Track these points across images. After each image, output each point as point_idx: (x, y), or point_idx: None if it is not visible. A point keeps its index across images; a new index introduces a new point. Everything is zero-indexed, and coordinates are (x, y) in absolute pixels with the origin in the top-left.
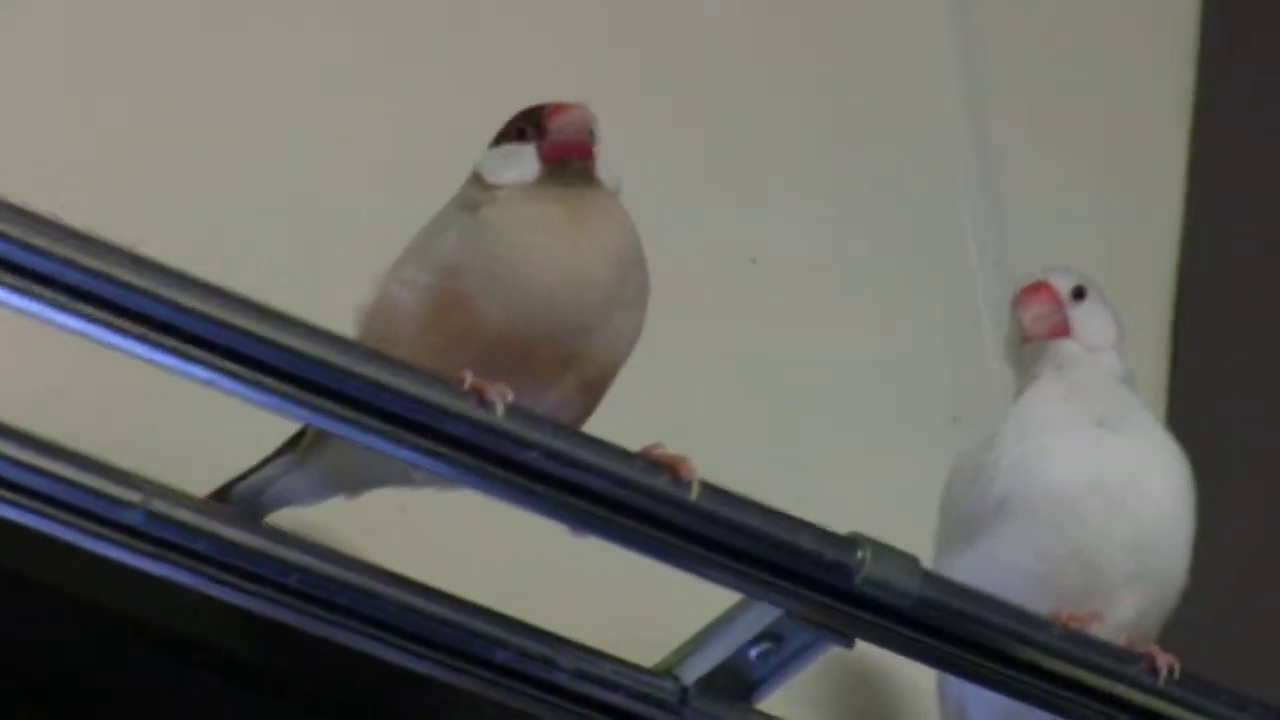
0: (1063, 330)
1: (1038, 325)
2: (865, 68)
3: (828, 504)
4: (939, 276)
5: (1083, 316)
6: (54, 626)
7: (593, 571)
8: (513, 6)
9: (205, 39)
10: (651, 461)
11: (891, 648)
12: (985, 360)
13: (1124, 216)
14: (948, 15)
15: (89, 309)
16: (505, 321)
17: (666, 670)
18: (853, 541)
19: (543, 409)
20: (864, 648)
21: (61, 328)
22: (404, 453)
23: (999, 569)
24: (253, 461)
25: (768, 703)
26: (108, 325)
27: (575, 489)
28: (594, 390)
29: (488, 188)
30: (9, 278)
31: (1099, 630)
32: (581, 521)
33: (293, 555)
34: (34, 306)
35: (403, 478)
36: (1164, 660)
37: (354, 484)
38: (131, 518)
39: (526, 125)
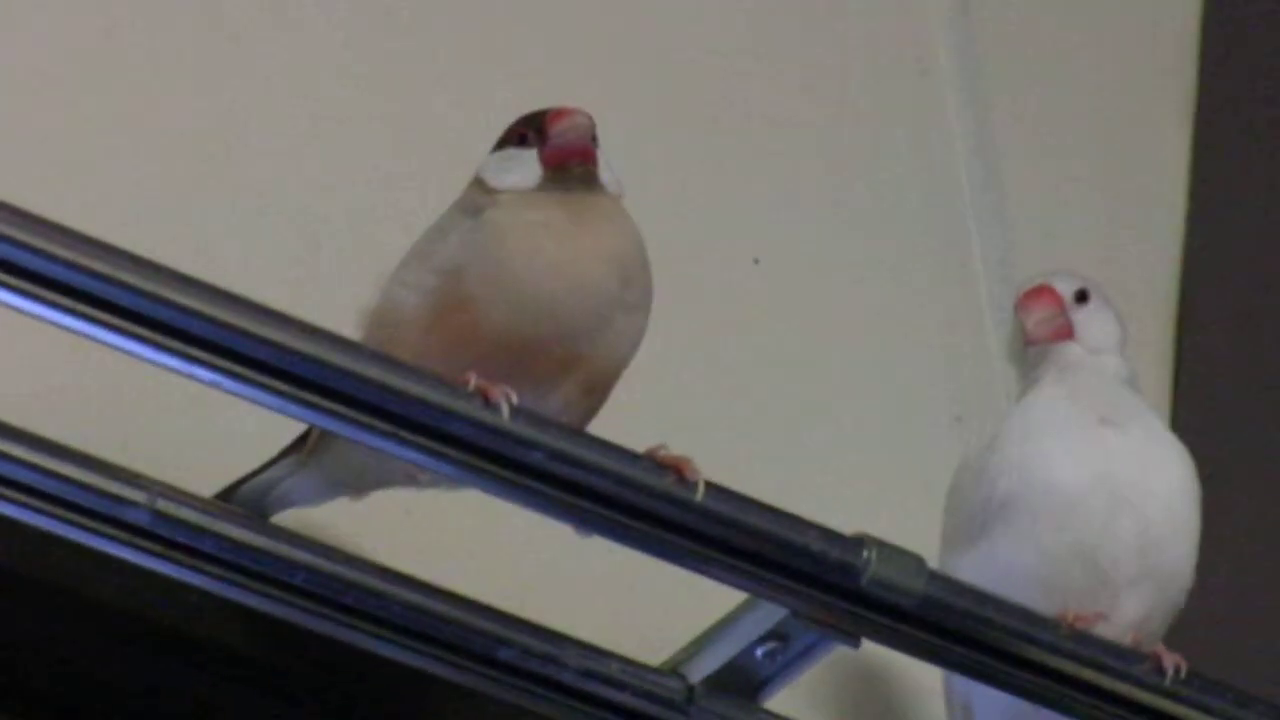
0: (1065, 333)
1: (1040, 329)
2: (868, 69)
3: (832, 504)
4: (942, 277)
5: (1086, 319)
6: (59, 625)
7: (598, 572)
8: (514, 8)
9: (205, 40)
10: (656, 462)
11: (897, 647)
12: (988, 360)
13: (1127, 218)
14: (950, 17)
15: (94, 311)
16: (508, 325)
17: (673, 669)
18: (858, 541)
19: (546, 411)
20: (870, 647)
21: (67, 330)
22: (409, 454)
23: (1003, 569)
24: (257, 462)
25: (774, 702)
26: (113, 327)
27: (580, 490)
28: (597, 393)
29: (490, 191)
30: (15, 280)
31: (1105, 630)
32: (587, 522)
33: (298, 554)
34: (40, 309)
35: (408, 479)
36: (1170, 659)
37: (359, 485)
38: (137, 517)
39: (528, 130)
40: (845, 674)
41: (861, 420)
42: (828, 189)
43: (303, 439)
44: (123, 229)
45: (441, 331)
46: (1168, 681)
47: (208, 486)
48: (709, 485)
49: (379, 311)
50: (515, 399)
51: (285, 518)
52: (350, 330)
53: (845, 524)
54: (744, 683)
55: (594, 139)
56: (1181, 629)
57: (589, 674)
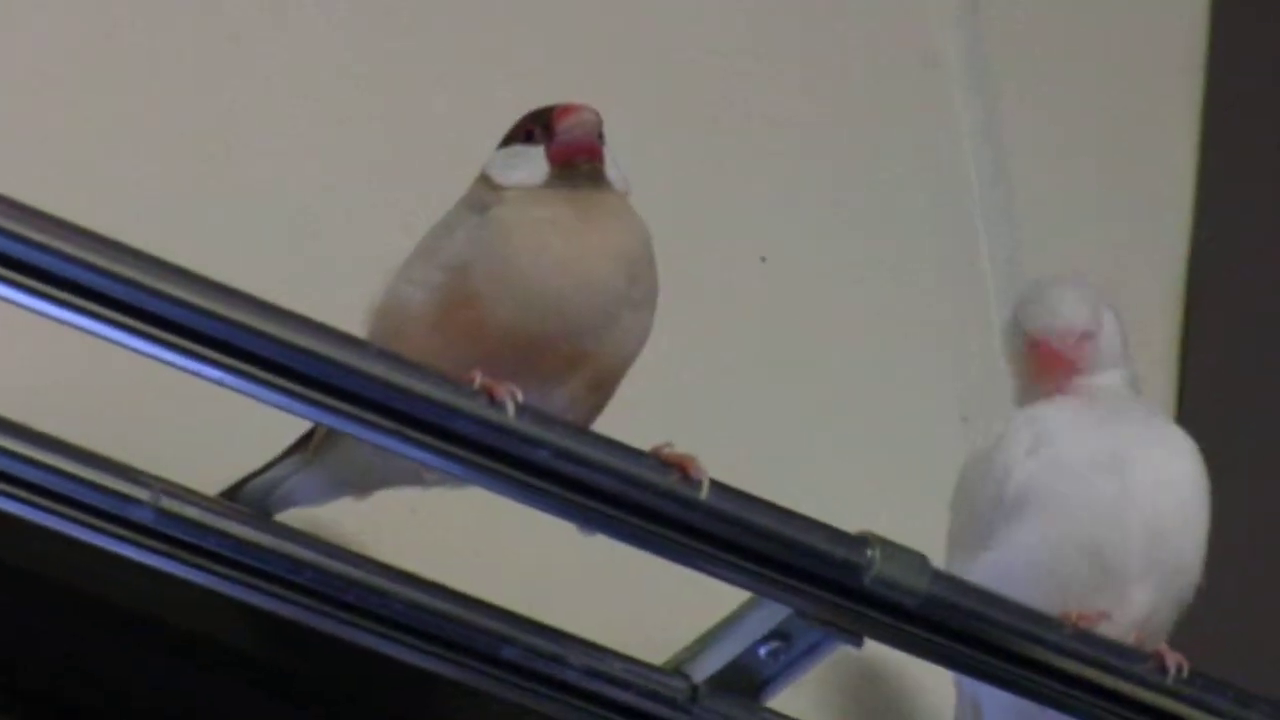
0: (1074, 372)
1: (1058, 385)
2: (874, 67)
3: (838, 504)
4: (949, 275)
5: (1092, 354)
6: (62, 623)
7: (602, 570)
8: (514, 8)
9: (205, 40)
10: (661, 460)
11: (901, 647)
12: (995, 360)
13: (1134, 216)
14: (957, 14)
15: (99, 308)
16: (513, 322)
17: (676, 668)
18: (862, 540)
19: (551, 408)
20: (874, 646)
21: (71, 326)
22: (414, 452)
23: (1012, 565)
24: (262, 460)
25: (777, 701)
26: (117, 324)
27: (585, 488)
28: (602, 390)
29: (496, 188)
30: (19, 277)
31: (1109, 628)
32: (591, 520)
33: (302, 553)
34: (44, 305)
35: (413, 477)
36: (1173, 659)
37: (364, 484)
38: (141, 515)
39: (535, 127)
40: (848, 673)
41: (867, 419)
42: (834, 187)
43: (308, 437)
44: (123, 229)
45: (447, 328)
46: (1170, 680)
47: (212, 484)
48: (713, 484)
49: (384, 308)
50: (520, 397)
51: (290, 516)
52: (353, 329)
53: (851, 524)
54: (747, 682)
55: (601, 136)
56: (1185, 628)
57: (592, 673)
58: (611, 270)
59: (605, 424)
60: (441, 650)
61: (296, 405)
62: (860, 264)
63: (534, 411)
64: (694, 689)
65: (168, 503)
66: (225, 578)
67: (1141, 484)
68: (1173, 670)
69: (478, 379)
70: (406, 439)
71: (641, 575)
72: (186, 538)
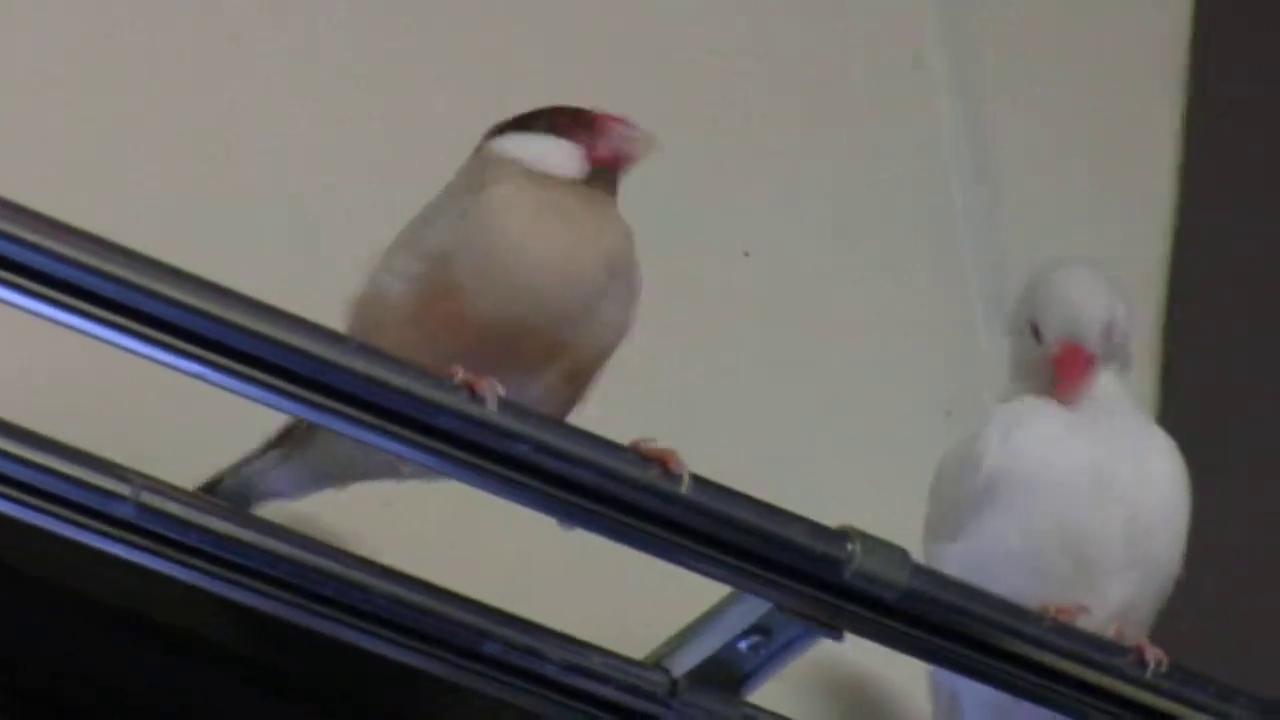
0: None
1: (1075, 397)
2: (859, 60)
3: (820, 497)
4: (933, 271)
5: (1108, 356)
6: (43, 619)
7: (582, 564)
8: (514, 8)
9: (205, 40)
10: (641, 454)
11: (881, 640)
12: (978, 354)
13: (1117, 216)
14: (943, 13)
15: (77, 302)
16: (495, 307)
17: (656, 662)
18: (842, 534)
19: (528, 399)
20: (855, 640)
21: (50, 322)
22: (394, 446)
23: (988, 555)
24: (242, 455)
25: (757, 695)
26: (97, 319)
27: (565, 482)
28: (579, 382)
29: (501, 166)
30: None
31: (1088, 621)
32: (571, 514)
33: (282, 547)
34: (23, 301)
35: (390, 470)
36: (1152, 653)
37: (343, 477)
38: (121, 510)
39: (574, 125)
40: (829, 667)
41: (850, 414)
42: (818, 183)
43: (287, 431)
44: (122, 229)
45: (428, 316)
46: (1150, 674)
47: (192, 479)
48: (694, 478)
49: (364, 299)
50: (502, 391)
51: (268, 511)
52: (340, 325)
53: (834, 518)
54: (727, 676)
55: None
56: (1166, 623)
57: (572, 667)
58: (594, 261)
59: (586, 418)
60: (421, 645)
61: (277, 400)
62: (843, 260)
63: (514, 406)
64: (674, 683)
65: (149, 498)
66: (206, 573)
67: (1121, 479)
68: (1152, 664)
69: (459, 373)
70: (387, 433)
71: (621, 569)
72: (168, 533)
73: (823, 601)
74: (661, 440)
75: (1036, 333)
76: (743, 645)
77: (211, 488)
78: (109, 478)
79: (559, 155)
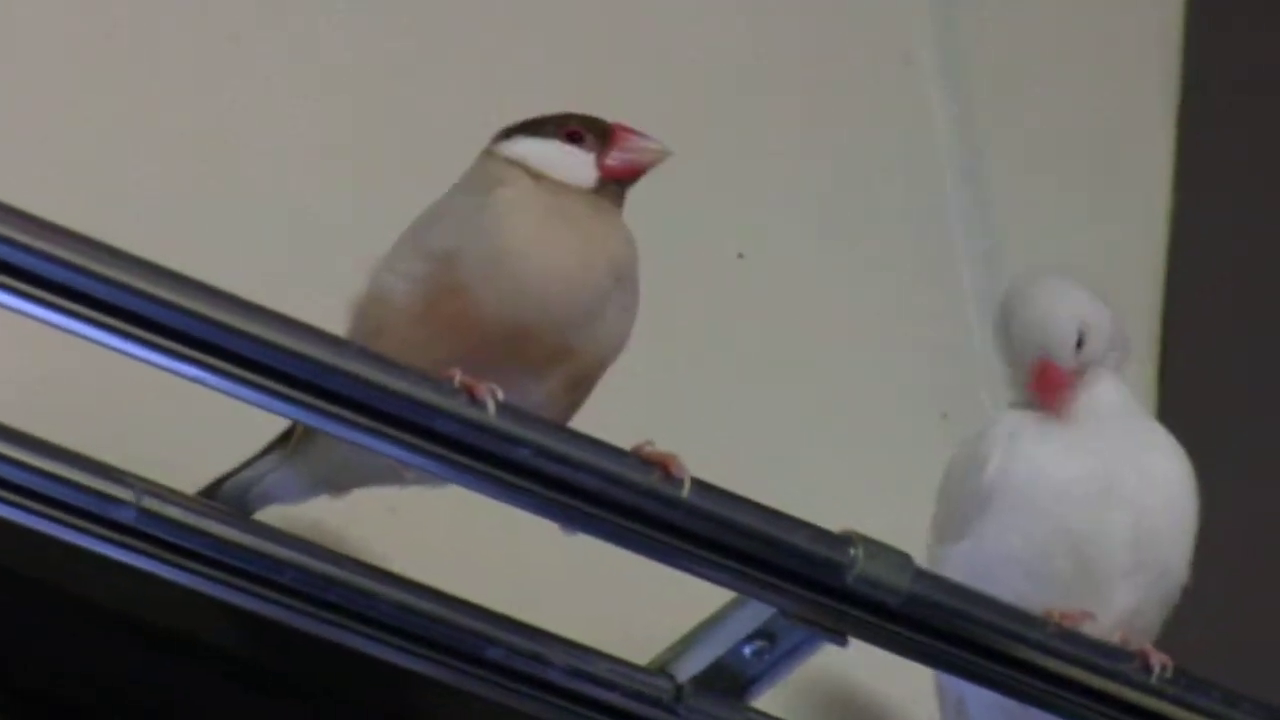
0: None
1: (1059, 408)
2: (853, 62)
3: (819, 501)
4: (927, 272)
5: (1085, 362)
6: (44, 623)
7: (585, 569)
8: (513, 8)
9: (205, 40)
10: (643, 459)
11: (884, 645)
12: (974, 356)
13: (1111, 214)
14: (934, 10)
15: (78, 307)
16: (500, 309)
17: (660, 668)
18: (845, 539)
19: (529, 404)
20: (859, 645)
21: (50, 325)
22: (394, 450)
23: (992, 558)
24: (243, 459)
25: (762, 701)
26: (98, 323)
27: (566, 487)
28: (580, 388)
29: (511, 168)
30: None
31: (1093, 627)
32: (573, 519)
33: (285, 552)
34: (24, 305)
35: (392, 476)
36: (1157, 658)
37: (342, 482)
38: (123, 515)
39: (586, 133)
40: (833, 673)
41: (848, 417)
42: (812, 184)
43: (287, 435)
44: (122, 229)
45: (432, 317)
46: (1154, 680)
47: (193, 484)
48: (695, 482)
49: (368, 300)
50: (501, 395)
51: (272, 516)
52: (339, 330)
53: (832, 521)
54: (731, 681)
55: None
56: (1171, 628)
57: (576, 673)
58: (601, 268)
59: (586, 422)
60: (424, 650)
61: (276, 404)
62: (838, 262)
63: (514, 410)
64: (678, 689)
65: (150, 503)
66: (208, 578)
67: (1126, 484)
68: (1157, 669)
69: (457, 377)
70: (386, 437)
71: (624, 575)
72: (169, 538)
73: (826, 606)
74: (660, 444)
75: (1013, 353)
76: (747, 650)
77: (211, 492)
78: (110, 482)
79: (569, 162)
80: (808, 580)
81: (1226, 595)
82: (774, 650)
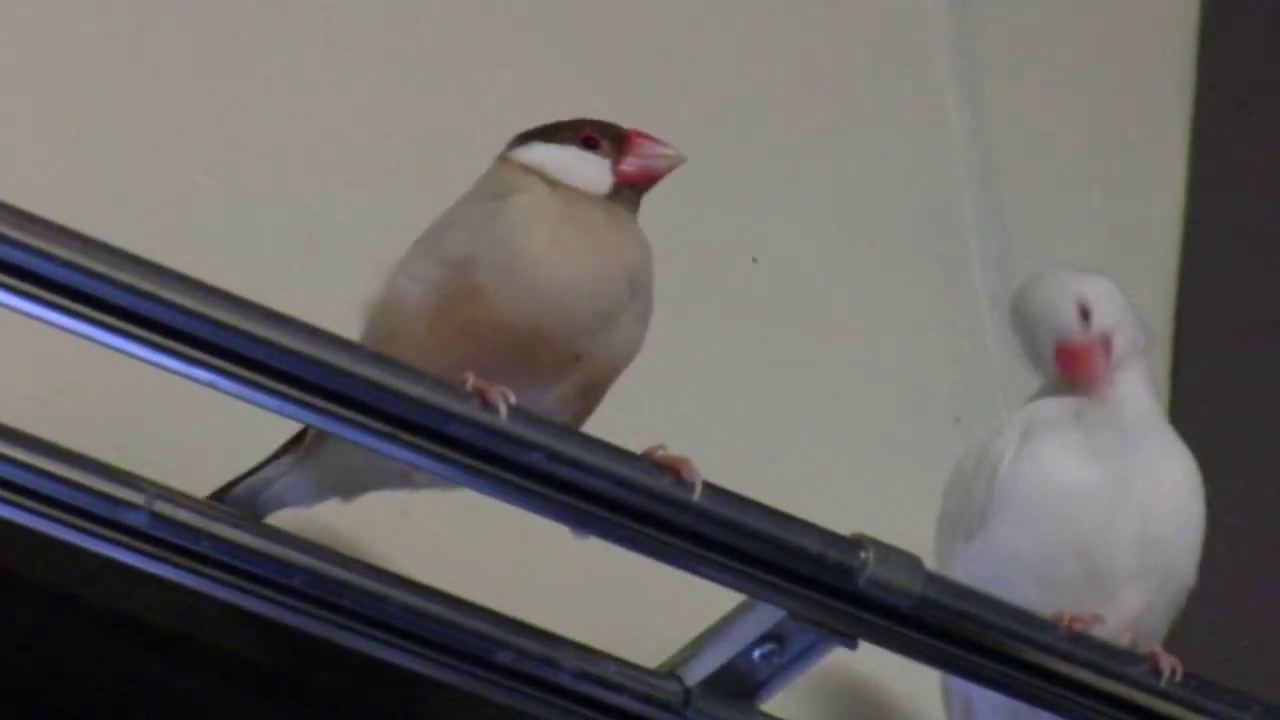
0: (1106, 381)
1: (1089, 382)
2: (866, 66)
3: (831, 505)
4: (941, 276)
5: (1104, 330)
6: (56, 627)
7: (595, 573)
8: (514, 8)
9: (205, 40)
10: (654, 463)
11: (894, 648)
12: (987, 361)
13: (1124, 216)
14: (948, 15)
15: (91, 311)
16: (516, 314)
17: (669, 671)
18: (856, 542)
19: (541, 410)
20: (868, 648)
21: (64, 330)
22: (406, 454)
23: (999, 560)
24: (255, 463)
25: (771, 704)
26: (110, 328)
27: (578, 490)
28: (592, 394)
29: (525, 175)
30: (11, 280)
31: (1102, 627)
32: (584, 523)
33: (296, 556)
34: (36, 309)
35: (402, 479)
36: (1166, 661)
37: (353, 485)
38: (134, 519)
39: (601, 139)
40: (843, 676)
41: (860, 421)
42: (826, 188)
43: (298, 438)
44: (122, 229)
45: (446, 324)
46: (1164, 683)
47: (205, 488)
48: (706, 486)
49: (382, 305)
50: (513, 399)
51: (283, 520)
52: (350, 330)
53: (844, 525)
54: (741, 685)
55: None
56: (1179, 631)
57: (586, 676)
58: (617, 275)
59: (598, 426)
60: (435, 653)
61: (289, 408)
62: (851, 265)
63: (526, 414)
64: (688, 692)
65: (162, 507)
66: (220, 582)
67: (1134, 489)
68: (1166, 673)
69: (470, 381)
70: (399, 441)
71: (635, 578)
72: (181, 542)
73: (836, 609)
74: (672, 448)
75: (1035, 352)
76: (756, 654)
77: (222, 495)
78: (122, 486)
79: (584, 169)
80: (818, 583)
81: (1236, 597)
82: (784, 653)
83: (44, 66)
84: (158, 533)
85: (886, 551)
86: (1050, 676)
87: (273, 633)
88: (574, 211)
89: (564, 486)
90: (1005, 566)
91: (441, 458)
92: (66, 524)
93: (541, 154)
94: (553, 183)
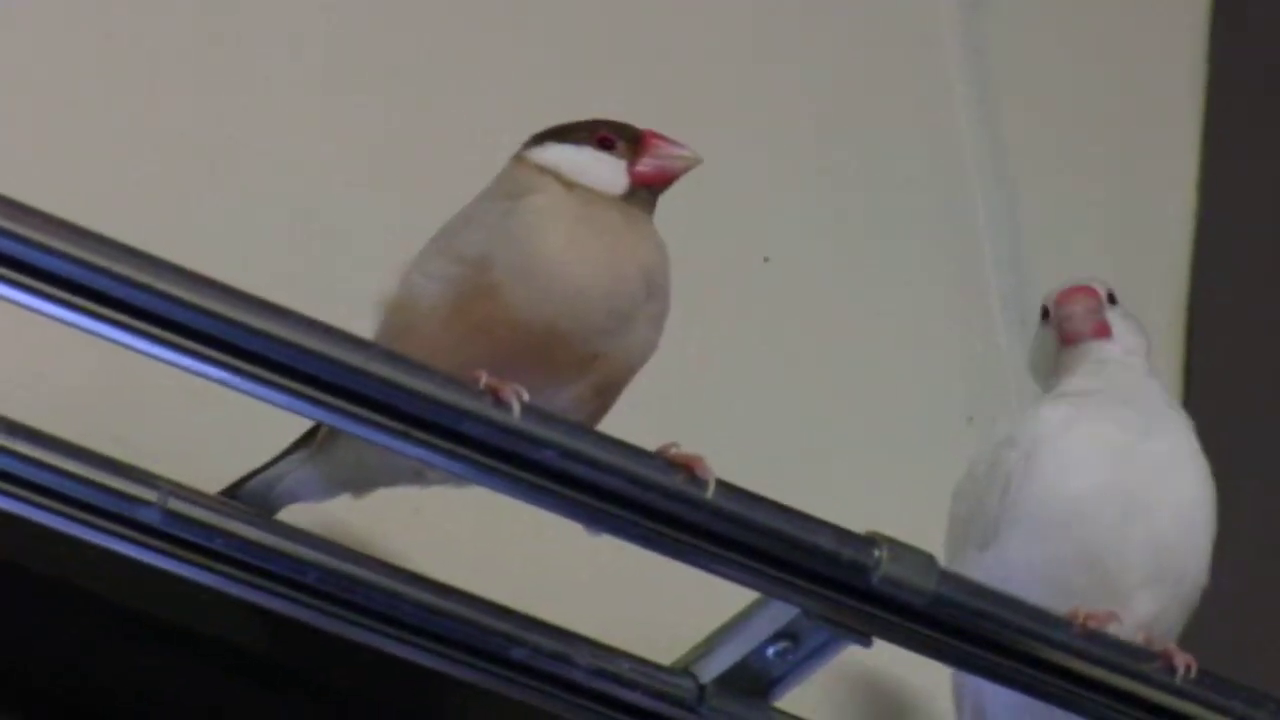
0: (1105, 331)
1: (1085, 322)
2: (878, 66)
3: (845, 504)
4: (954, 276)
5: (1119, 320)
6: (70, 624)
7: (609, 570)
8: (516, 8)
9: (204, 40)
10: (668, 460)
11: (909, 646)
12: (1000, 360)
13: (1138, 218)
14: (962, 16)
15: (105, 309)
16: (532, 313)
17: (684, 668)
18: (870, 540)
19: (556, 408)
20: (882, 646)
21: (78, 328)
22: (419, 452)
23: (1010, 567)
24: (266, 459)
25: (785, 701)
26: (124, 325)
27: (591, 488)
28: (607, 394)
29: (541, 176)
30: (27, 279)
31: (1116, 631)
32: (598, 520)
33: (310, 553)
34: (50, 307)
35: (414, 476)
36: (1181, 659)
37: (365, 481)
38: (148, 516)
39: (617, 139)
40: (857, 673)
41: (873, 420)
42: (839, 187)
43: (311, 434)
44: (121, 229)
45: (462, 322)
46: (1178, 680)
47: (218, 485)
48: (720, 483)
49: (397, 302)
50: (526, 397)
51: (297, 517)
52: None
53: (857, 524)
54: (755, 682)
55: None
56: (1193, 628)
57: (600, 673)
58: (634, 276)
59: (612, 424)
60: (449, 650)
61: (302, 405)
62: (865, 265)
63: (539, 412)
64: (702, 689)
65: (176, 504)
66: (233, 579)
67: (1145, 500)
68: (1181, 670)
69: (483, 379)
70: (411, 439)
71: (649, 575)
72: (195, 539)
73: (850, 607)
74: (685, 446)
75: (1046, 314)
76: (770, 651)
77: (235, 490)
78: (135, 483)
79: (600, 169)
80: (832, 581)
81: (1251, 594)
82: (797, 651)
83: (44, 66)
84: (171, 529)
85: (900, 549)
86: (1064, 674)
87: (285, 629)
88: (590, 212)
89: (577, 484)
90: (1018, 575)
91: (454, 455)
92: (80, 521)
93: (557, 154)
94: (568, 183)
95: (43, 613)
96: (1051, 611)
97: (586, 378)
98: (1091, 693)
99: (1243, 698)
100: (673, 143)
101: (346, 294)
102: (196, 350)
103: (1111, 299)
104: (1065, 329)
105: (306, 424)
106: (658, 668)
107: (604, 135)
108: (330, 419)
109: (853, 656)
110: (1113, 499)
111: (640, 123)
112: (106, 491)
